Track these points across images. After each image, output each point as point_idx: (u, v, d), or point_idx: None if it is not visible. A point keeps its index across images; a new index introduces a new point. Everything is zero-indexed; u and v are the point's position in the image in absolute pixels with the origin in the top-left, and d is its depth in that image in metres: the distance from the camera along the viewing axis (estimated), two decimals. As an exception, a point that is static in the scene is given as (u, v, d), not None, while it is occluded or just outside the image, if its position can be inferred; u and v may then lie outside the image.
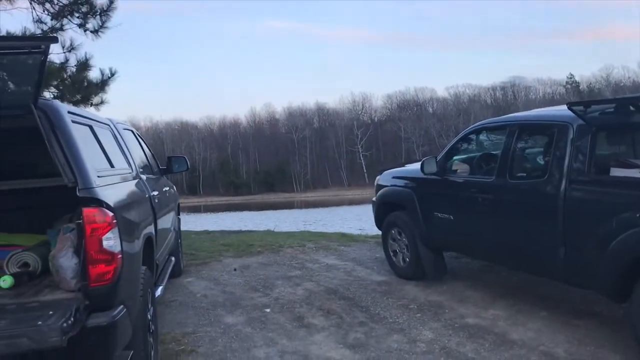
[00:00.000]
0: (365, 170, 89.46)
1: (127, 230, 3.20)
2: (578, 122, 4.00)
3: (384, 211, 6.21)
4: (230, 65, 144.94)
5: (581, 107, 3.77)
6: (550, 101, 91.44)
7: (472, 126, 5.37)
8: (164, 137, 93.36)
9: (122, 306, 2.97)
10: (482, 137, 5.40)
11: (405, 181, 5.90)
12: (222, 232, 11.98)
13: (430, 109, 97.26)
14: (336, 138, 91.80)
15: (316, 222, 22.72)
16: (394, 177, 6.16)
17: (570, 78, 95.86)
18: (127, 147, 4.49)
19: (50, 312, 2.61)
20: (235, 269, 6.97)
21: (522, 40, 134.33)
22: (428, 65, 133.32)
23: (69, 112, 3.16)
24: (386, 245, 6.22)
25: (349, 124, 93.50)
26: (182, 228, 7.64)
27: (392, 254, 6.14)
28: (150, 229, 4.07)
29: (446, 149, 5.39)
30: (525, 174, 4.59)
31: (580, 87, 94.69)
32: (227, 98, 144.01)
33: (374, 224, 6.61)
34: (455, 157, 5.33)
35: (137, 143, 5.36)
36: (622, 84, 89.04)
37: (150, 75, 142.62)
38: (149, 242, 3.90)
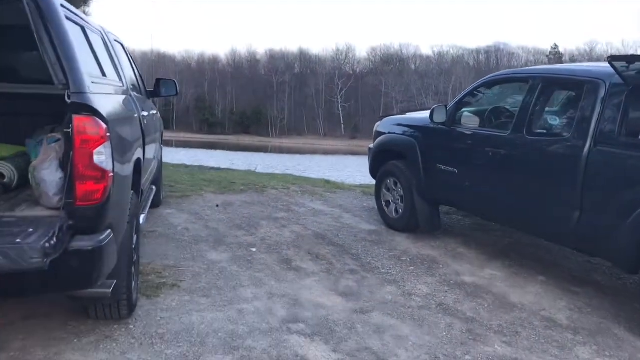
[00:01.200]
0: (342, 122, 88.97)
1: (120, 148, 2.85)
2: (612, 79, 3.73)
3: (381, 159, 5.91)
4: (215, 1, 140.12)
5: (623, 63, 3.48)
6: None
7: (489, 76, 5.03)
8: (140, 67, 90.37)
9: (109, 230, 2.65)
10: (499, 88, 5.09)
11: (408, 129, 5.59)
12: (201, 167, 11.62)
13: (413, 66, 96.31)
14: (316, 86, 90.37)
15: (294, 167, 22.46)
16: (395, 125, 5.85)
17: (554, 48, 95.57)
18: (118, 59, 4.07)
19: (30, 230, 2.27)
20: (217, 205, 6.66)
21: (512, 5, 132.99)
22: (416, 21, 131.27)
23: (61, 6, 2.73)
24: (379, 194, 5.96)
25: (331, 73, 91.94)
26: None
27: (384, 204, 5.89)
28: (140, 152, 3.71)
29: (458, 98, 5.07)
30: (545, 131, 4.32)
31: (562, 59, 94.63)
32: (208, 34, 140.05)
33: (368, 172, 6.32)
34: (466, 108, 5.02)
35: (127, 58, 4.91)
36: (603, 59, 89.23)
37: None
38: (137, 166, 3.55)
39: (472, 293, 4.20)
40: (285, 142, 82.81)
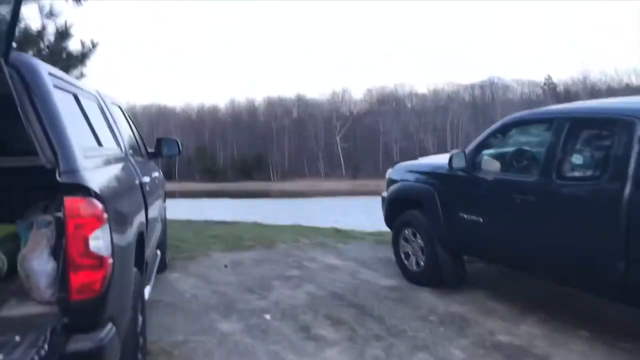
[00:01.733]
0: (342, 162, 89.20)
1: (119, 227, 2.54)
2: (647, 116, 3.45)
3: (397, 209, 5.60)
4: (213, 54, 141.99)
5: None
6: (528, 101, 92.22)
7: (509, 117, 4.75)
8: (141, 121, 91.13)
9: (110, 324, 2.32)
10: (521, 130, 4.80)
11: (424, 176, 5.30)
12: (206, 222, 11.29)
13: (409, 104, 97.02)
14: (315, 129, 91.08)
15: (298, 213, 22.10)
16: (410, 172, 5.55)
17: (548, 79, 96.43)
18: (115, 124, 3.80)
19: (17, 338, 1.94)
20: (225, 266, 6.32)
21: (503, 41, 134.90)
22: (409, 61, 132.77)
23: (50, 74, 2.47)
24: (397, 246, 5.62)
25: (328, 116, 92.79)
26: (163, 216, 6.96)
27: (403, 256, 5.55)
28: (142, 222, 3.41)
29: (477, 142, 4.78)
30: (577, 174, 4.01)
31: (557, 89, 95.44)
32: (207, 87, 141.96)
33: (383, 222, 6.01)
34: (486, 152, 4.73)
35: (125, 121, 4.66)
36: (597, 88, 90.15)
37: (130, 56, 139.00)
38: (140, 239, 3.24)
39: (511, 356, 3.82)
40: (287, 185, 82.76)
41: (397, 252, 5.66)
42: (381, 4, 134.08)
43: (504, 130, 4.72)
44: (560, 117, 4.11)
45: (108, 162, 2.96)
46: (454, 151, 4.77)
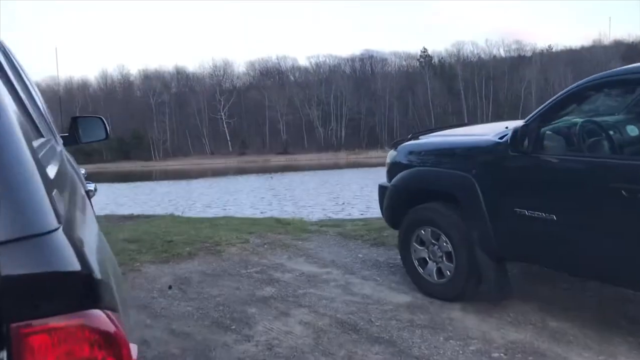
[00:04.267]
0: (229, 138, 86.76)
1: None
2: None
3: (406, 202, 4.33)
4: (74, 21, 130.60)
5: None
6: (406, 74, 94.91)
7: (594, 77, 3.40)
8: None
9: None
10: (613, 94, 3.66)
11: (454, 159, 4.03)
12: (107, 217, 9.37)
13: (293, 78, 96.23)
14: (197, 104, 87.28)
15: (206, 197, 20.19)
16: (427, 153, 4.27)
17: (424, 52, 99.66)
18: (37, 95, 2.14)
19: None
20: (170, 287, 4.72)
21: (377, 10, 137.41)
22: (288, 32, 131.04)
23: None
24: (408, 251, 4.35)
25: (211, 90, 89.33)
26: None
27: (417, 263, 4.30)
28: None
29: (541, 110, 3.54)
30: None
31: (432, 61, 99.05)
32: (73, 57, 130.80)
33: (383, 217, 4.71)
34: (557, 125, 3.51)
35: (30, 83, 2.92)
36: (469, 60, 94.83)
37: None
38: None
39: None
40: (171, 164, 79.00)
41: (406, 258, 4.39)
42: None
43: (587, 93, 3.52)
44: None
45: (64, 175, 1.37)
46: (517, 125, 3.51)
